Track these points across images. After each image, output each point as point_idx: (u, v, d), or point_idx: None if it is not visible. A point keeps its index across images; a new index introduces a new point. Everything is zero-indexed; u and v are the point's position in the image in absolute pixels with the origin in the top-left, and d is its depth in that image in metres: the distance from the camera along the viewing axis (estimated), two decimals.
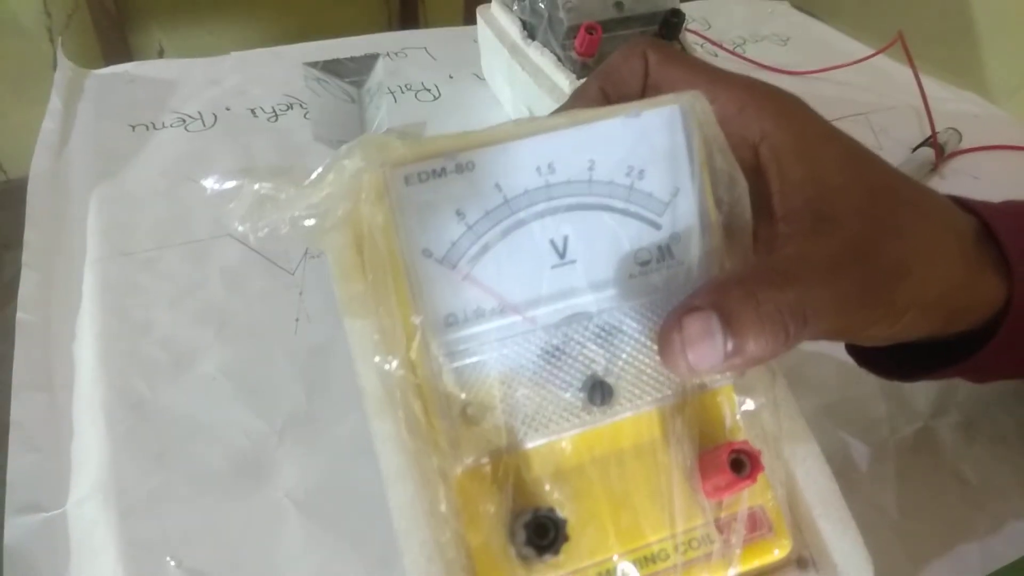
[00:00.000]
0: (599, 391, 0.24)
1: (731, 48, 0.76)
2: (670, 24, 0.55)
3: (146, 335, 0.43)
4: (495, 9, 0.63)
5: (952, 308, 0.28)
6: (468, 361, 0.23)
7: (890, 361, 0.33)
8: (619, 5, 0.55)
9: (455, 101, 0.67)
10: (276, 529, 0.34)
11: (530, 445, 0.24)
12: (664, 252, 0.25)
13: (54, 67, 0.65)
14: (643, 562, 0.23)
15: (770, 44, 0.79)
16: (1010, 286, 0.29)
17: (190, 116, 0.62)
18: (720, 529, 0.24)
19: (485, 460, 0.23)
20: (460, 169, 0.23)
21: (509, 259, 0.23)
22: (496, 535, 0.23)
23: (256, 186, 0.23)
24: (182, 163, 0.57)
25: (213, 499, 0.35)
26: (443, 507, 0.23)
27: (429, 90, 0.68)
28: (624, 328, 0.24)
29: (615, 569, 0.23)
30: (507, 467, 0.23)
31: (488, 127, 0.24)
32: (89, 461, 0.37)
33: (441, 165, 0.23)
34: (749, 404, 0.25)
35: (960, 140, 0.63)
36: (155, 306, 0.45)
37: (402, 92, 0.68)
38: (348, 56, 0.58)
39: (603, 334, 0.24)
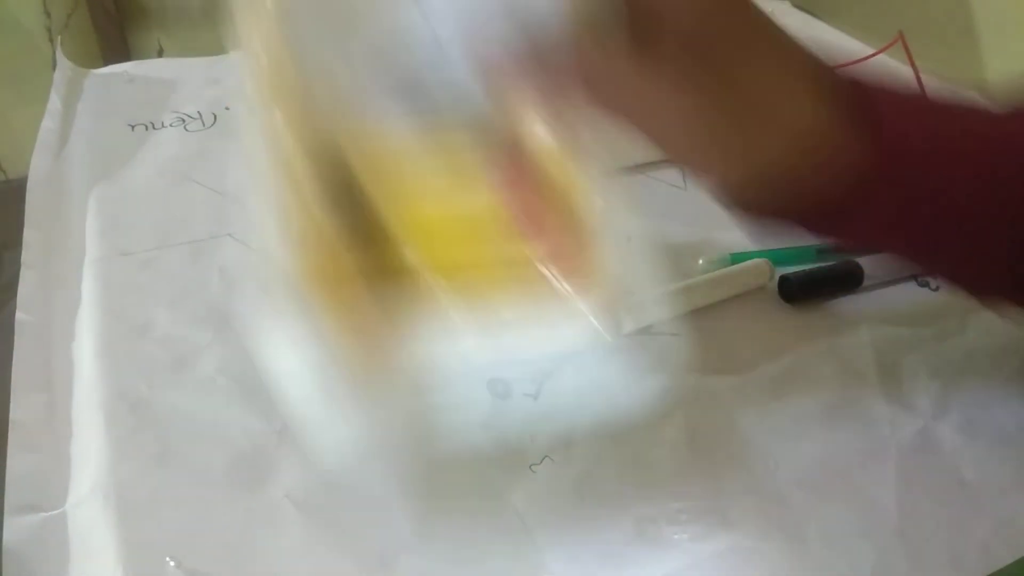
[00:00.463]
0: (425, 107, 0.27)
1: None
2: None
3: (146, 335, 0.43)
4: None
5: (807, 146, 0.29)
6: None
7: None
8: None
9: None
10: (276, 529, 0.34)
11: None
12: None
13: (53, 67, 0.65)
14: (456, 268, 0.27)
15: None
16: (877, 140, 0.29)
17: (190, 116, 0.62)
18: (535, 256, 0.27)
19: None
20: None
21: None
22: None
23: None
24: (181, 163, 0.57)
25: (213, 499, 0.35)
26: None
27: None
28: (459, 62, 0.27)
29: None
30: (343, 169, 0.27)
31: None
32: (88, 461, 0.37)
33: None
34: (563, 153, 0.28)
35: None
36: (155, 306, 0.45)
37: None
38: None
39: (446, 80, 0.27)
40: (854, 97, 0.30)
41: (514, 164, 0.27)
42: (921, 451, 0.39)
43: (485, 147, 0.28)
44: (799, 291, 0.47)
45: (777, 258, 0.49)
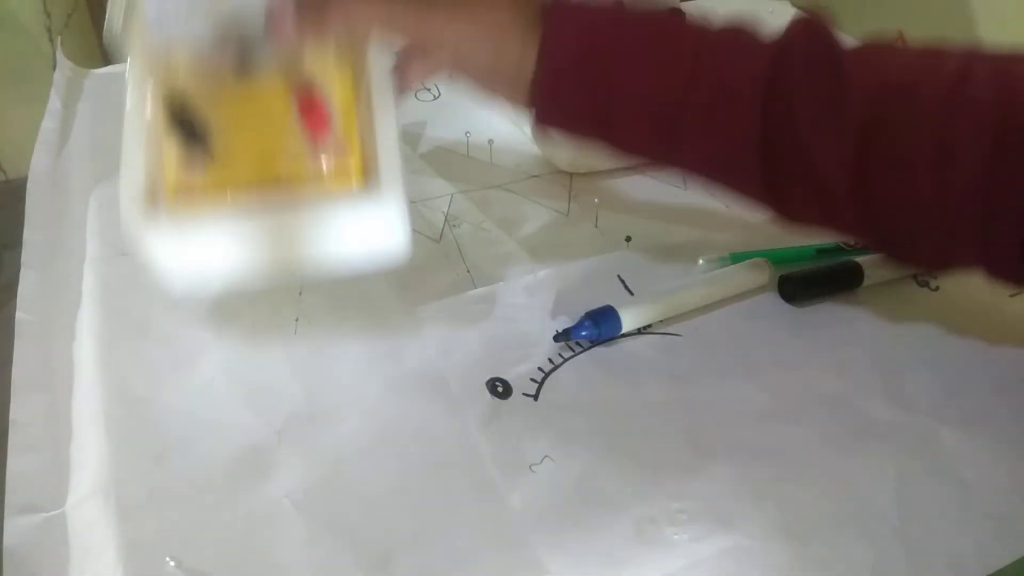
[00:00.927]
0: (247, 59, 0.38)
1: None
2: None
3: (146, 335, 0.43)
4: None
5: (502, 32, 0.39)
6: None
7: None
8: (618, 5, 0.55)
9: (455, 101, 0.67)
10: (275, 529, 0.34)
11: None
12: None
13: (54, 67, 0.65)
14: (267, 163, 0.37)
15: None
16: (544, 40, 0.38)
17: None
18: (319, 157, 0.38)
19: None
20: None
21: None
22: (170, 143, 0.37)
23: None
24: None
25: (212, 499, 0.35)
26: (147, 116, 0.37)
27: (429, 90, 0.68)
28: (258, 24, 0.38)
29: (250, 169, 0.37)
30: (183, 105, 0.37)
31: None
32: (89, 461, 0.37)
33: None
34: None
35: None
36: (155, 306, 0.45)
37: None
38: None
39: (250, 31, 0.38)
40: (542, 11, 0.39)
41: (307, 94, 0.38)
42: (921, 451, 0.39)
43: (287, 82, 0.39)
44: (799, 291, 0.47)
45: (777, 258, 0.49)
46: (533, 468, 0.37)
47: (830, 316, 0.47)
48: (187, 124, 0.37)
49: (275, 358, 0.42)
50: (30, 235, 0.50)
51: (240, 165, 0.37)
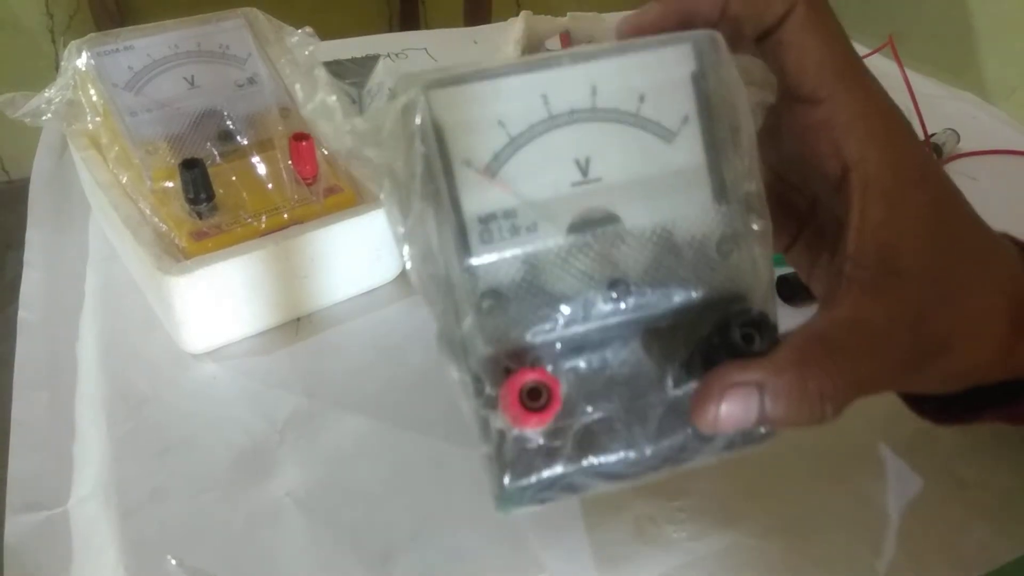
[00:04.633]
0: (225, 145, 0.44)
1: None
2: None
3: (148, 334, 0.43)
4: None
5: (987, 373, 0.29)
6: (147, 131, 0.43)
7: (934, 405, 0.34)
8: None
9: None
10: (277, 528, 0.34)
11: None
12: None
13: (56, 67, 0.65)
14: (269, 212, 0.42)
15: None
16: None
17: None
18: (313, 194, 0.43)
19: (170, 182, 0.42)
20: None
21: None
22: (176, 205, 0.41)
23: None
24: None
25: (214, 498, 0.36)
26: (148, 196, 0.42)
27: None
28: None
29: (255, 218, 0.42)
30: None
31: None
32: (90, 460, 0.37)
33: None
34: None
35: (959, 141, 0.63)
36: None
37: None
38: (349, 57, 0.58)
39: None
40: None
41: (297, 142, 0.42)
42: (920, 451, 0.39)
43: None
44: (798, 291, 0.47)
45: (776, 259, 0.49)
46: None
47: None
48: (195, 174, 0.40)
49: (276, 357, 0.42)
50: (32, 235, 0.51)
51: (244, 208, 0.42)
